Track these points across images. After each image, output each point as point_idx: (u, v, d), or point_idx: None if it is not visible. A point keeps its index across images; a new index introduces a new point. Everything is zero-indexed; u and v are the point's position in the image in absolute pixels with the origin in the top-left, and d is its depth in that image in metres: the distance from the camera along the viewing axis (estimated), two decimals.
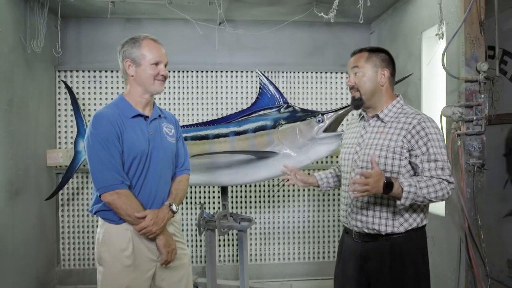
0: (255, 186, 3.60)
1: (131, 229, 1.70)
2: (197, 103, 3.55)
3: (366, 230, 1.68)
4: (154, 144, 1.76)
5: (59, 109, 3.44)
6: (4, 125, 2.63)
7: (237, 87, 3.58)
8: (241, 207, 3.61)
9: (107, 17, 3.09)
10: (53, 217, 3.38)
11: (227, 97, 3.57)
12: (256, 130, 2.58)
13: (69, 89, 3.23)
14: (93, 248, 3.38)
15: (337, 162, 1.96)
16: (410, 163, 1.62)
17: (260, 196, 3.62)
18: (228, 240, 3.59)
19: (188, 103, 3.55)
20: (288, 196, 3.62)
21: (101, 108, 1.80)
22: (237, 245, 3.40)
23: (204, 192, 3.58)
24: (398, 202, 1.55)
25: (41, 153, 3.17)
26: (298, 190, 3.62)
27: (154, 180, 1.75)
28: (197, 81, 3.55)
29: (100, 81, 3.47)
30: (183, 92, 3.54)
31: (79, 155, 3.09)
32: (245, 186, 3.58)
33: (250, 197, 3.61)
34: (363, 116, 1.79)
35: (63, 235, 3.45)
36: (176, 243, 1.81)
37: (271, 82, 2.70)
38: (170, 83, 3.50)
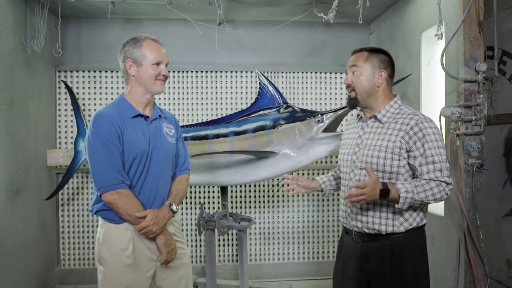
0: (255, 186, 3.61)
1: (131, 229, 1.71)
2: (197, 103, 3.56)
3: (366, 230, 1.68)
4: (154, 144, 1.76)
5: (59, 109, 3.44)
6: (5, 125, 2.63)
7: (236, 87, 3.59)
8: (241, 207, 3.61)
9: (107, 18, 3.10)
10: (53, 217, 3.39)
11: (226, 97, 3.58)
12: (255, 130, 2.58)
13: (69, 89, 3.24)
14: (93, 248, 3.39)
15: (337, 162, 1.96)
16: (408, 164, 1.63)
17: (259, 196, 3.62)
18: (228, 240, 3.60)
19: (188, 103, 3.55)
20: (288, 196, 3.63)
21: (101, 108, 1.80)
22: (236, 245, 3.40)
23: (204, 192, 3.59)
24: (396, 206, 1.58)
25: (41, 153, 3.17)
26: None
27: (154, 180, 1.76)
28: (197, 81, 3.55)
29: (100, 81, 3.48)
30: (183, 92, 3.55)
31: (79, 155, 3.10)
32: (245, 186, 3.59)
33: (250, 197, 3.62)
34: (361, 117, 1.80)
35: (63, 235, 3.45)
36: (176, 243, 1.81)
37: (270, 82, 2.70)
38: (170, 83, 3.51)
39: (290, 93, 3.60)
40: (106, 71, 3.48)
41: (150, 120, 1.79)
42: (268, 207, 3.63)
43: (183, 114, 3.54)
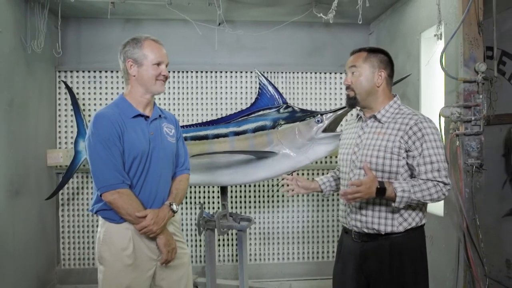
0: (255, 186, 3.61)
1: (131, 229, 1.71)
2: (197, 103, 3.56)
3: (365, 230, 1.69)
4: (154, 144, 1.77)
5: (59, 109, 3.45)
6: (5, 125, 2.63)
7: (236, 87, 3.59)
8: (241, 207, 3.62)
9: (107, 18, 3.11)
10: (53, 216, 3.39)
11: (226, 98, 3.58)
12: (255, 130, 2.59)
13: (69, 89, 3.24)
14: (93, 248, 3.40)
15: (336, 162, 1.96)
16: (407, 164, 1.63)
17: (259, 196, 3.63)
18: (228, 240, 3.60)
19: (187, 103, 3.56)
20: (287, 196, 3.62)
21: (101, 108, 1.81)
22: (236, 245, 3.41)
23: (204, 192, 3.59)
24: (393, 204, 1.58)
25: (42, 153, 3.18)
26: None
27: (154, 179, 1.76)
28: (197, 82, 3.56)
29: (100, 81, 3.49)
30: (183, 93, 3.55)
31: (79, 155, 3.11)
32: (245, 186, 3.59)
33: (250, 197, 3.62)
34: (361, 117, 1.80)
35: (63, 234, 3.46)
36: (176, 243, 1.81)
37: (270, 83, 2.71)
38: (170, 83, 3.51)
39: (290, 93, 3.61)
40: (106, 71, 3.48)
41: (150, 120, 1.80)
42: (268, 207, 3.63)
43: (183, 114, 3.55)
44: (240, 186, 3.59)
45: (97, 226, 1.80)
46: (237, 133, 2.62)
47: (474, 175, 2.23)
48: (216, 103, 3.57)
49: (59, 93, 3.44)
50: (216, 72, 3.57)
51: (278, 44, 3.59)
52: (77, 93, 3.41)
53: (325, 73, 3.65)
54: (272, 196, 3.62)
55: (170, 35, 3.42)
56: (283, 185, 1.93)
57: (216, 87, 3.57)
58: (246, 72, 3.58)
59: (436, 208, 2.45)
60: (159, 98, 3.47)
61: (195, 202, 3.58)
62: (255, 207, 3.62)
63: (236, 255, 3.39)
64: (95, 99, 3.48)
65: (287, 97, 3.46)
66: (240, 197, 3.62)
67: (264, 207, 3.63)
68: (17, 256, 2.75)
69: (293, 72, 3.61)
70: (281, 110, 2.63)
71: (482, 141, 2.25)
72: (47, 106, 3.30)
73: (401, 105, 1.72)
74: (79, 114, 3.16)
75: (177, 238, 1.84)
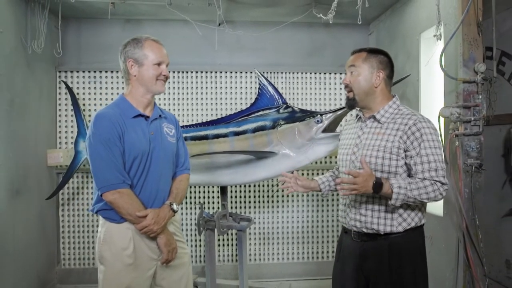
0: (255, 186, 3.61)
1: (132, 228, 1.71)
2: (197, 104, 3.56)
3: (365, 230, 1.69)
4: (154, 144, 1.77)
5: (60, 109, 3.45)
6: (5, 125, 2.64)
7: (236, 87, 3.60)
8: (241, 207, 3.62)
9: (107, 18, 3.12)
10: (54, 216, 3.40)
11: (226, 98, 3.59)
12: (255, 130, 2.59)
13: (70, 89, 3.25)
14: (93, 248, 3.40)
15: (336, 162, 1.97)
16: (406, 164, 1.63)
17: (259, 196, 3.63)
18: (228, 240, 3.60)
19: (188, 104, 3.56)
20: (287, 196, 3.63)
21: (102, 108, 1.81)
22: (236, 245, 3.41)
23: (204, 192, 3.59)
24: (389, 202, 1.58)
25: (42, 153, 3.18)
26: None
27: (154, 179, 1.77)
28: (197, 82, 3.56)
29: (100, 82, 3.49)
30: (183, 93, 3.56)
31: (79, 155, 3.11)
32: (245, 186, 3.60)
33: (250, 197, 3.63)
34: (360, 117, 1.80)
35: (63, 234, 3.46)
36: (177, 242, 1.82)
37: (270, 83, 2.71)
38: (170, 83, 3.51)
39: (290, 94, 3.61)
40: (106, 72, 3.49)
41: (151, 120, 1.80)
42: (268, 207, 3.64)
43: (183, 114, 3.55)
44: (240, 186, 3.59)
45: (97, 226, 1.80)
46: (237, 133, 2.63)
47: (473, 175, 2.23)
48: (216, 103, 3.58)
49: (60, 93, 3.45)
50: (216, 72, 3.57)
51: (278, 44, 3.59)
52: (77, 93, 3.42)
53: (324, 73, 3.65)
54: (272, 196, 3.63)
55: (170, 35, 3.43)
56: (282, 183, 1.92)
57: (216, 87, 3.58)
58: (246, 72, 3.58)
59: (436, 208, 2.46)
60: (159, 98, 3.47)
61: (195, 202, 3.58)
62: (255, 207, 3.63)
63: (236, 255, 3.40)
64: (95, 99, 3.49)
65: (286, 97, 3.46)
66: (240, 197, 3.62)
67: (264, 207, 3.63)
68: (17, 255, 2.76)
69: (293, 73, 3.62)
70: (281, 110, 2.64)
71: (482, 141, 2.25)
72: (48, 106, 3.30)
73: (400, 106, 1.73)
74: (79, 114, 3.16)
75: (177, 238, 1.85)
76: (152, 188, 1.76)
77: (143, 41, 1.76)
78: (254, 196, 3.63)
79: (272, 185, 3.60)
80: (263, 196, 3.63)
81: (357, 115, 1.84)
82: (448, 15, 2.38)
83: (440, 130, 2.31)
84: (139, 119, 1.77)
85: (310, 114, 2.54)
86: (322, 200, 3.67)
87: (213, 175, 2.65)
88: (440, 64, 2.28)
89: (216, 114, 3.55)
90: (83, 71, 3.47)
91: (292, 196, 3.64)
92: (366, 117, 1.76)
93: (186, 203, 3.57)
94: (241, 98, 3.60)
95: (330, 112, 2.51)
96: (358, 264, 1.72)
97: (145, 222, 1.68)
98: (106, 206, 1.71)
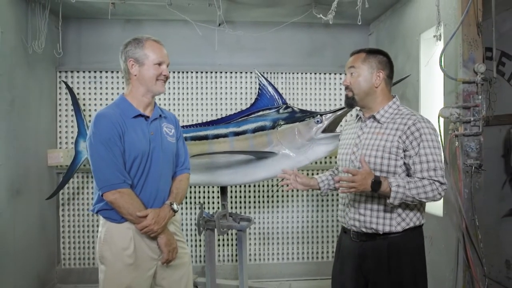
0: (255, 186, 3.62)
1: (132, 228, 1.72)
2: (197, 104, 3.57)
3: (364, 230, 1.69)
4: (154, 144, 1.78)
5: (60, 109, 3.46)
6: (6, 125, 2.64)
7: (236, 87, 3.60)
8: (241, 207, 3.62)
9: (108, 18, 3.12)
10: (54, 216, 3.40)
11: (226, 98, 3.59)
12: (255, 130, 2.59)
13: (70, 90, 3.25)
14: (93, 248, 3.41)
15: (336, 162, 1.97)
16: (405, 163, 1.64)
17: (259, 196, 3.63)
18: (228, 240, 3.61)
19: (188, 104, 3.56)
20: (287, 196, 3.64)
21: (102, 108, 1.82)
22: (236, 245, 3.41)
23: (204, 192, 3.60)
24: (387, 201, 1.58)
25: (42, 153, 3.19)
26: (297, 191, 3.63)
27: (154, 179, 1.77)
28: (197, 82, 3.57)
29: (101, 82, 3.49)
30: (183, 93, 3.56)
31: (79, 155, 3.12)
32: (245, 186, 3.60)
33: (250, 197, 3.63)
34: (360, 117, 1.81)
35: (63, 234, 3.46)
36: (177, 242, 1.82)
37: (270, 83, 2.72)
38: (170, 83, 3.52)
39: (290, 94, 3.61)
40: (106, 72, 3.49)
41: (151, 120, 1.80)
42: (268, 207, 3.64)
43: (183, 114, 3.56)
44: (240, 186, 3.59)
45: (97, 226, 1.81)
46: (237, 133, 2.63)
47: (473, 176, 2.24)
48: (216, 103, 3.58)
49: (60, 93, 3.45)
50: (216, 72, 3.57)
51: (278, 44, 3.60)
52: (78, 93, 3.42)
53: (324, 73, 3.65)
54: (272, 196, 3.63)
55: (170, 35, 3.43)
56: (282, 187, 1.93)
57: (216, 87, 3.58)
58: (246, 72, 3.59)
59: (436, 208, 2.46)
60: (160, 98, 3.48)
61: (195, 202, 3.58)
62: (254, 207, 3.63)
63: (236, 255, 3.40)
64: (95, 99, 3.49)
65: (286, 98, 3.47)
66: (240, 197, 3.62)
67: (263, 207, 3.64)
68: (18, 255, 2.76)
69: (293, 73, 3.62)
70: (281, 111, 2.64)
71: (481, 142, 2.26)
72: (48, 106, 3.31)
73: (400, 106, 1.73)
74: (79, 114, 3.17)
75: (177, 238, 1.85)
76: (152, 188, 1.76)
77: (144, 41, 1.76)
78: (254, 196, 3.63)
79: (272, 185, 3.60)
80: (263, 196, 3.63)
81: (357, 115, 1.84)
82: (448, 15, 2.38)
83: (439, 131, 2.31)
84: (139, 119, 1.78)
85: (310, 114, 2.55)
86: (322, 200, 3.67)
87: (213, 175, 2.65)
88: (440, 65, 2.28)
89: (216, 114, 3.55)
90: (84, 71, 3.47)
91: (292, 196, 3.64)
92: (366, 117, 1.77)
93: (186, 203, 3.57)
94: (241, 98, 3.60)
95: (330, 113, 2.51)
96: (357, 264, 1.72)
97: (146, 222, 1.68)
98: (106, 206, 1.71)
